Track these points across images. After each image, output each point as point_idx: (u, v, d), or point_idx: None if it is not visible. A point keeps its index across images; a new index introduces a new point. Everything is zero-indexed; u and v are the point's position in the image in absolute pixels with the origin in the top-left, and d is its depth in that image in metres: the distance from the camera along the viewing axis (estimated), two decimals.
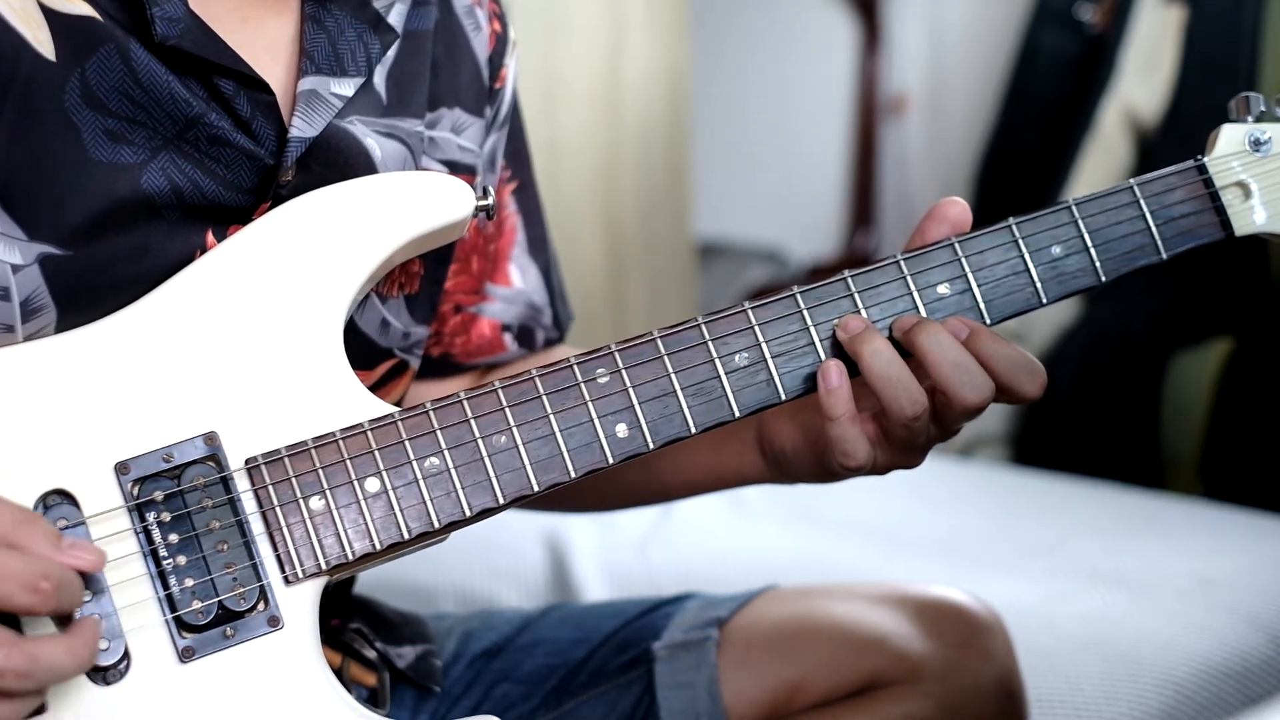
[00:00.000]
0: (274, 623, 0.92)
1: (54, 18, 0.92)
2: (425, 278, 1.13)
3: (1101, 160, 2.88)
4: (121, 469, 0.91)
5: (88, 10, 0.93)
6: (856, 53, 3.84)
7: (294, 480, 0.93)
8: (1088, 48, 3.09)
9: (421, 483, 0.95)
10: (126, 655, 0.89)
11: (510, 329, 1.24)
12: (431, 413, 0.95)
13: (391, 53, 1.06)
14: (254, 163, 0.98)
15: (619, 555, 2.00)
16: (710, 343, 0.99)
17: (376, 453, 0.94)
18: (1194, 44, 2.76)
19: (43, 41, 0.91)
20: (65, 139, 0.92)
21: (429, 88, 1.10)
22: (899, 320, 1.01)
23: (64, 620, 0.87)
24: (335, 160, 1.01)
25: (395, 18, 1.07)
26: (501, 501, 0.95)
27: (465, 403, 0.96)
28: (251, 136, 0.98)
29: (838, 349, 1.01)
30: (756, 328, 1.00)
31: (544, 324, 1.27)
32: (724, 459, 1.17)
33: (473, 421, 0.96)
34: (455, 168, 1.13)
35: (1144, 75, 2.84)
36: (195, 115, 0.95)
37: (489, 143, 1.18)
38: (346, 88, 1.02)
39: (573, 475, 0.96)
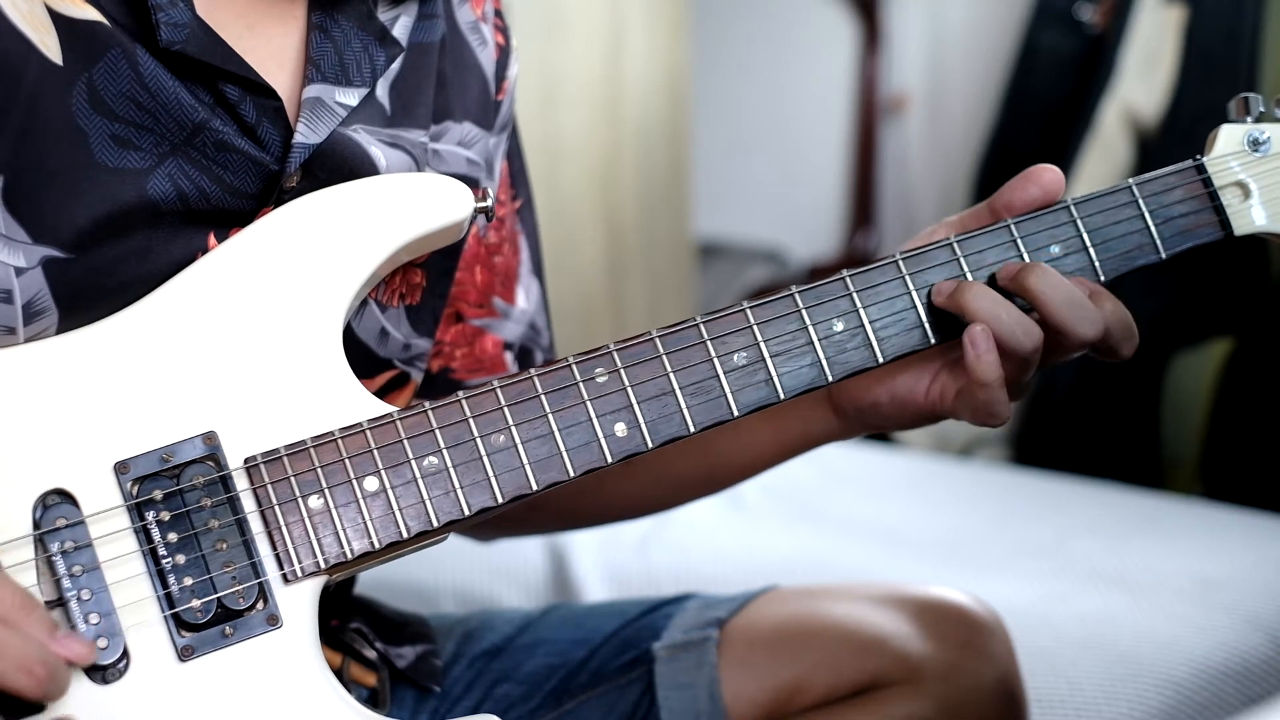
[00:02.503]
0: (273, 621, 0.92)
1: (61, 22, 0.92)
2: (428, 290, 1.13)
3: (1101, 160, 2.88)
4: (121, 468, 0.91)
5: (94, 15, 0.93)
6: (856, 53, 3.84)
7: (293, 479, 0.93)
8: (1088, 48, 3.09)
9: (420, 482, 0.95)
10: (125, 654, 0.89)
11: (512, 348, 1.24)
12: (430, 412, 0.96)
13: (395, 65, 1.06)
14: (258, 168, 0.98)
15: (619, 555, 2.00)
16: (709, 342, 0.99)
17: (375, 452, 0.94)
18: (1194, 44, 2.76)
19: (50, 46, 0.91)
20: (72, 143, 0.92)
21: (435, 100, 1.10)
22: (1003, 268, 1.02)
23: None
24: (340, 168, 1.01)
25: (400, 30, 1.07)
26: (500, 501, 0.95)
27: (464, 402, 0.96)
28: (257, 142, 0.98)
29: (935, 316, 1.02)
30: (755, 327, 1.00)
31: (542, 345, 1.27)
32: (788, 425, 1.17)
33: (471, 421, 0.96)
34: (462, 181, 1.13)
35: (1144, 75, 2.84)
36: (201, 121, 0.95)
37: (487, 145, 1.18)
38: (351, 97, 1.02)
39: (571, 474, 0.96)
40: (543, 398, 0.97)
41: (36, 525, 0.89)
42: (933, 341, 1.03)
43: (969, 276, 1.03)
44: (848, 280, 1.02)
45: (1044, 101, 3.19)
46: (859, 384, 1.10)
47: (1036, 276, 1.00)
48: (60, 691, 0.85)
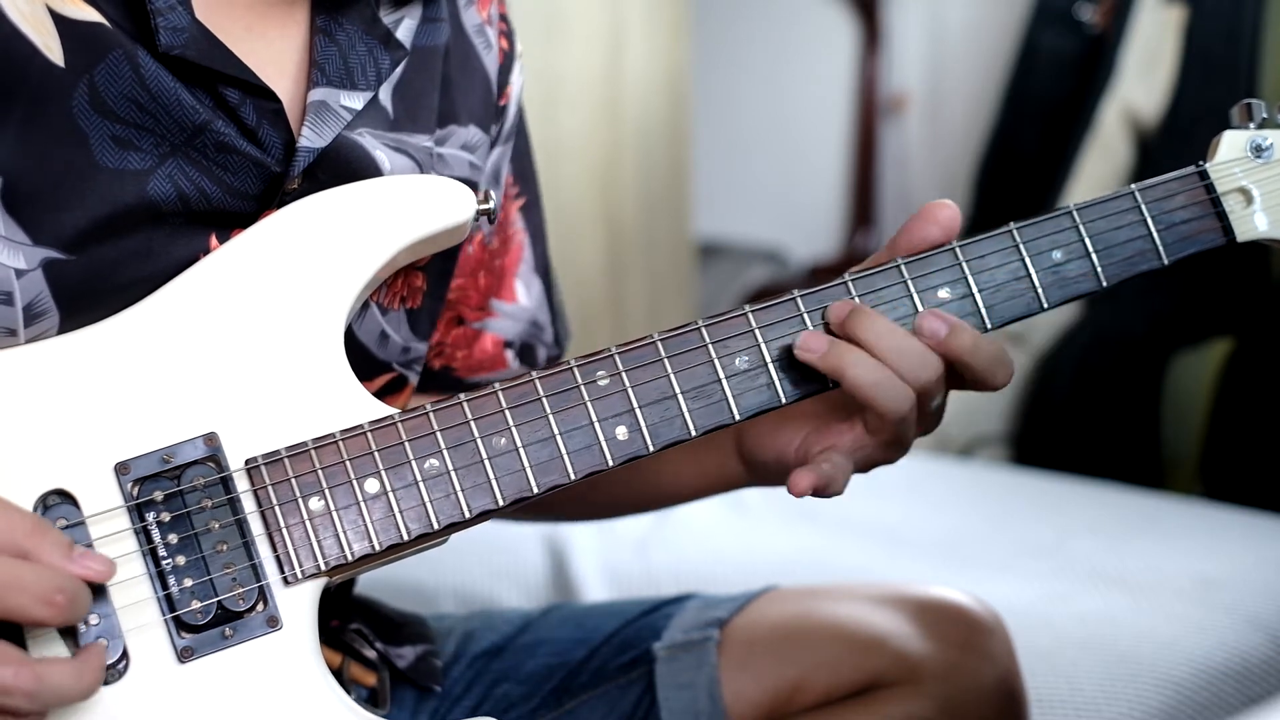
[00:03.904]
0: (273, 623, 0.92)
1: (63, 24, 0.92)
2: (427, 293, 1.13)
3: (1101, 160, 2.88)
4: (121, 469, 0.91)
5: (96, 17, 0.93)
6: (856, 53, 3.84)
7: (293, 481, 0.93)
8: (1088, 48, 3.09)
9: (421, 484, 0.95)
10: (125, 655, 0.89)
11: (513, 345, 1.24)
12: (431, 414, 0.96)
13: (399, 69, 1.06)
14: (260, 170, 0.98)
15: (619, 555, 2.00)
16: (711, 345, 0.99)
17: (376, 454, 0.94)
18: (1194, 44, 2.76)
19: (52, 48, 0.91)
20: (73, 145, 0.92)
21: (439, 104, 1.10)
22: (832, 311, 1.00)
23: (68, 632, 0.88)
24: (344, 171, 1.01)
25: (404, 33, 1.07)
26: (501, 503, 0.95)
27: (465, 404, 0.96)
28: (258, 144, 0.98)
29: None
30: (757, 330, 1.00)
31: (545, 341, 1.27)
32: (707, 469, 1.17)
33: (472, 423, 0.96)
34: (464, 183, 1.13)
35: (1144, 75, 2.84)
36: (202, 122, 0.95)
37: (493, 156, 1.18)
38: (355, 101, 1.02)
39: (572, 477, 0.96)
40: (544, 400, 0.97)
41: None
42: None
43: (970, 281, 1.02)
44: (849, 284, 1.02)
45: (1044, 101, 3.19)
46: (757, 440, 1.10)
47: (864, 326, 0.98)
48: (81, 614, 0.84)
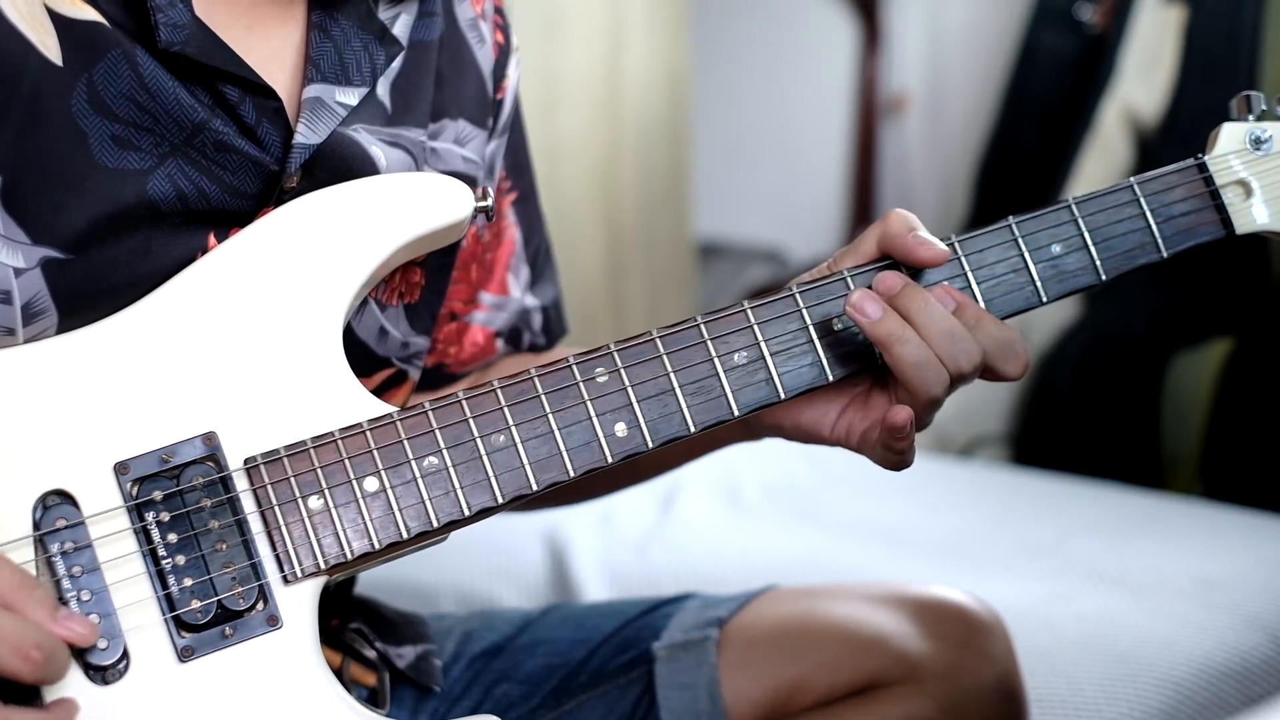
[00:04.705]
0: (273, 622, 0.92)
1: (61, 23, 0.92)
2: (426, 288, 1.13)
3: (1101, 160, 2.88)
4: (121, 469, 0.91)
5: (94, 16, 0.93)
6: (856, 53, 3.84)
7: (292, 480, 0.93)
8: (1088, 48, 3.09)
9: (420, 482, 0.95)
10: (125, 655, 0.89)
11: (501, 334, 1.24)
12: (430, 412, 0.96)
13: (396, 63, 1.06)
14: (259, 169, 0.98)
15: (619, 555, 2.00)
16: (709, 342, 0.99)
17: (375, 452, 0.94)
18: (1194, 44, 2.76)
19: (50, 47, 0.91)
20: (72, 144, 0.92)
21: (433, 98, 1.10)
22: (882, 281, 1.00)
23: (78, 654, 0.88)
24: (340, 168, 1.01)
25: (400, 28, 1.07)
26: (500, 501, 0.96)
27: (464, 402, 0.96)
28: (257, 143, 0.98)
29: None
30: (755, 327, 1.00)
31: (532, 328, 1.27)
32: (699, 438, 1.17)
33: (471, 421, 0.96)
34: (459, 179, 1.13)
35: (1144, 75, 2.84)
36: (201, 121, 0.95)
37: (488, 150, 1.18)
38: (351, 97, 1.02)
39: (571, 474, 0.96)
40: (543, 398, 0.97)
41: (36, 526, 0.89)
42: None
43: (969, 275, 1.03)
44: (848, 280, 1.02)
45: (1044, 101, 3.19)
46: (771, 413, 1.08)
47: (918, 305, 0.98)
48: (58, 675, 0.85)
